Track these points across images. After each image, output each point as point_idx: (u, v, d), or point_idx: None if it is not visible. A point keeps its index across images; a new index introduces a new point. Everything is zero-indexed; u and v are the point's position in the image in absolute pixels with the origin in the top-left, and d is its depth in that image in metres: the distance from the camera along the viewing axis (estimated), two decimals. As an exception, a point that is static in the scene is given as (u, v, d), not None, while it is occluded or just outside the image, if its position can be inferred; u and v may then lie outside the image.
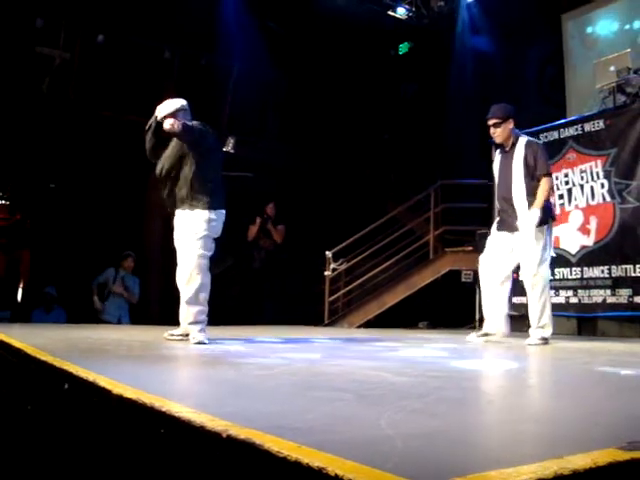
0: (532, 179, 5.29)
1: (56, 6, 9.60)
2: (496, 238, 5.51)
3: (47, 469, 2.22)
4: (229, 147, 10.81)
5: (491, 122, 5.44)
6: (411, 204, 10.78)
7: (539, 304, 5.21)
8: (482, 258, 5.62)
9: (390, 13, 11.86)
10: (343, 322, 9.71)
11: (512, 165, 5.37)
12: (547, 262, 5.27)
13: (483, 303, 5.64)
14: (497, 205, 5.64)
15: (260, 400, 1.90)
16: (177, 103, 4.72)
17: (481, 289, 5.65)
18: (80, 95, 9.87)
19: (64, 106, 9.74)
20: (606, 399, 2.08)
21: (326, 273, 9.84)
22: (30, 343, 3.26)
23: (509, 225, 5.39)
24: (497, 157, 5.62)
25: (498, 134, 5.44)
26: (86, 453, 1.97)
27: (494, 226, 5.60)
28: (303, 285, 10.57)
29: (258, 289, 9.78)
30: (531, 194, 5.25)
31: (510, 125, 5.43)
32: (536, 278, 5.22)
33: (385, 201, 11.89)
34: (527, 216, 5.19)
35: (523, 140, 5.43)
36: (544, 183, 5.26)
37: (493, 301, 5.51)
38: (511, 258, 5.42)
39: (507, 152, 5.47)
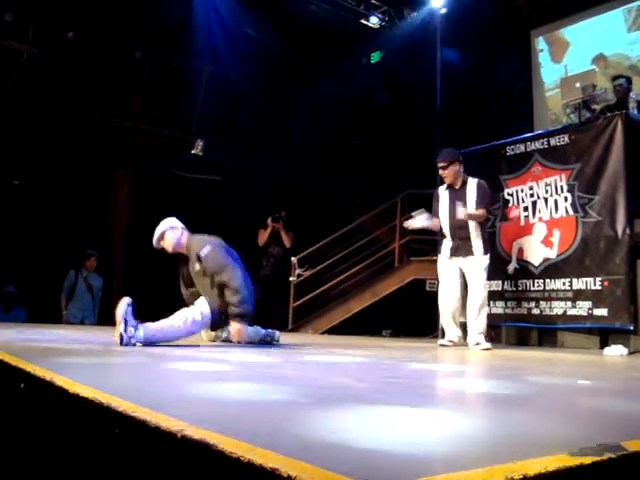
0: None
1: (26, 0, 9.48)
2: (449, 265, 6.40)
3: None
4: (198, 150, 10.78)
5: (439, 165, 6.36)
6: (377, 212, 10.86)
7: (483, 318, 6.14)
8: (441, 289, 6.48)
9: (363, 22, 11.95)
10: (308, 327, 9.71)
11: (467, 200, 6.25)
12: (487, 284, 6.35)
13: (442, 320, 6.56)
14: (448, 234, 6.38)
15: (217, 403, 1.89)
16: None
17: (441, 311, 6.54)
18: (47, 92, 9.75)
19: (30, 102, 9.60)
20: (561, 407, 2.11)
21: (291, 279, 9.84)
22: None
23: (464, 250, 6.23)
24: (444, 194, 6.48)
25: (446, 175, 6.37)
26: (41, 453, 1.94)
27: (445, 253, 6.41)
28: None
29: (270, 296, 9.63)
30: (479, 225, 6.26)
31: (456, 167, 6.34)
32: (483, 298, 6.18)
33: (353, 208, 11.94)
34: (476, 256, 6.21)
35: (474, 180, 6.35)
36: (482, 211, 6.25)
37: (455, 317, 6.42)
38: (462, 280, 6.35)
39: (458, 190, 6.33)
